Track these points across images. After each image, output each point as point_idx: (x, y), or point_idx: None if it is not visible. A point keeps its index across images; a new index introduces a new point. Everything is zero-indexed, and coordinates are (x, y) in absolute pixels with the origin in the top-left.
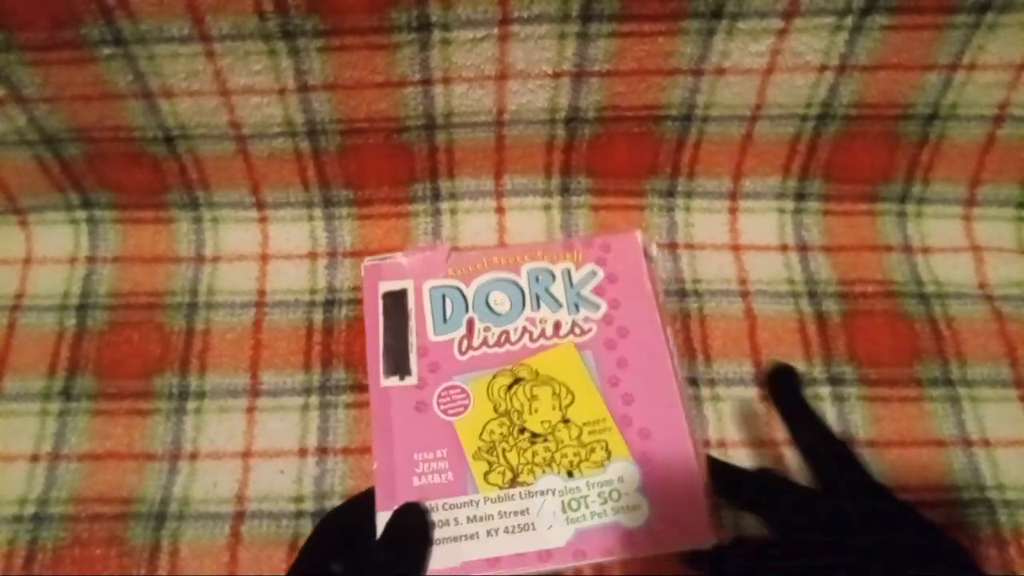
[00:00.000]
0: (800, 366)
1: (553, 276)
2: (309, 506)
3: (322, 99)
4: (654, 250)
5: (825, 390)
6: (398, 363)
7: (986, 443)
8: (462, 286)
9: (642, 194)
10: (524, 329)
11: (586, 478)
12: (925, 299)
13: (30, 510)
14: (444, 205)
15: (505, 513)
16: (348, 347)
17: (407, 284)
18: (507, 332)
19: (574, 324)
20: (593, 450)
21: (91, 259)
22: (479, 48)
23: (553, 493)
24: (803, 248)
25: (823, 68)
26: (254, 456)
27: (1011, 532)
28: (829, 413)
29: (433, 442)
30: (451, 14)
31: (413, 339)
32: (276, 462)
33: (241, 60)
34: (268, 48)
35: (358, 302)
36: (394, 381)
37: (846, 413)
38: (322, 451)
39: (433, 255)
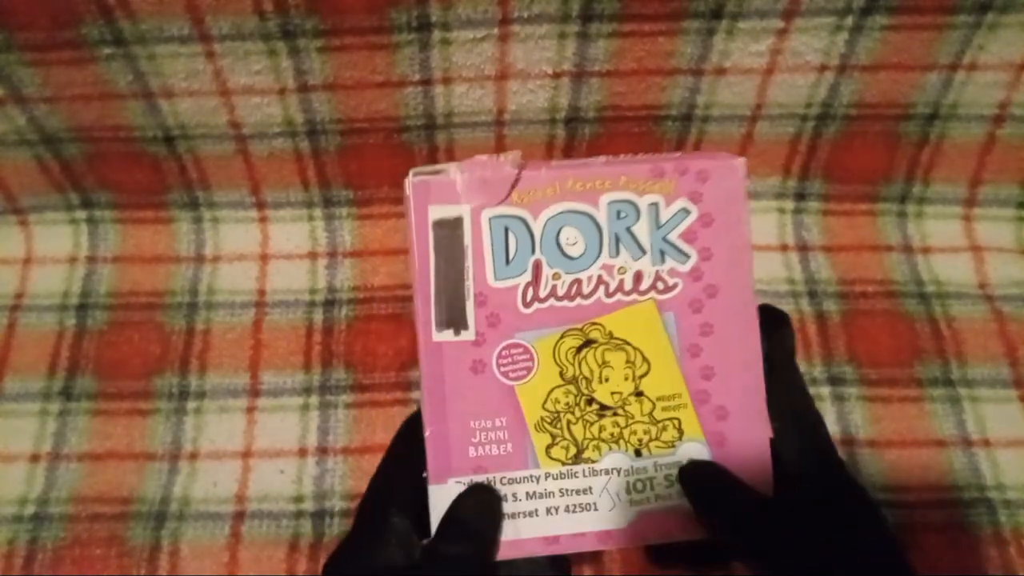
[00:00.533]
0: (800, 366)
1: (638, 212)
2: (309, 506)
3: (322, 99)
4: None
5: (825, 390)
6: (453, 313)
7: (986, 443)
8: (528, 217)
9: None
10: (600, 280)
11: (654, 458)
12: (925, 299)
13: (30, 510)
14: None
15: (567, 491)
16: (348, 347)
17: (462, 211)
18: (579, 281)
19: (657, 277)
20: (665, 428)
21: (91, 259)
22: (479, 48)
23: (619, 473)
24: (803, 248)
25: (823, 68)
26: (254, 456)
27: (1011, 532)
28: (829, 413)
29: (491, 409)
30: (451, 14)
31: (470, 283)
32: (276, 462)
33: (241, 60)
34: (268, 48)
35: (358, 302)
36: (448, 335)
37: (846, 413)
38: (322, 451)
39: (495, 175)
